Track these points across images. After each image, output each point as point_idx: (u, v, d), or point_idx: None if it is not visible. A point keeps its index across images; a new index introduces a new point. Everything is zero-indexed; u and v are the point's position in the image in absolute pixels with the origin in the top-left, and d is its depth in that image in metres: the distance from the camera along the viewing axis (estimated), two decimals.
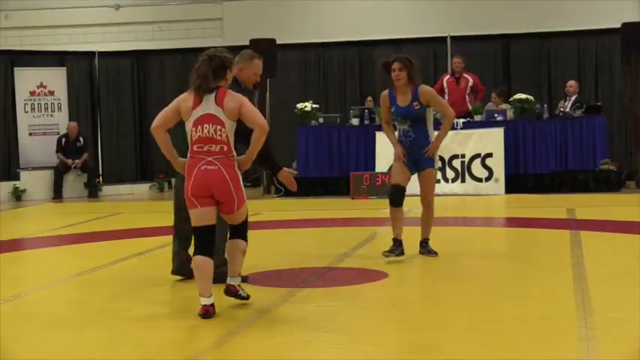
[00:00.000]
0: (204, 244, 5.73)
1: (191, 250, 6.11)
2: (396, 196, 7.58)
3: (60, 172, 16.12)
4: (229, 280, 5.92)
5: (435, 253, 7.69)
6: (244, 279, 6.29)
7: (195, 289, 5.85)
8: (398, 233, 7.62)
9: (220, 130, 5.68)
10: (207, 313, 5.62)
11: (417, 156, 7.59)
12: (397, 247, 7.59)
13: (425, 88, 7.62)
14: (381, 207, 12.27)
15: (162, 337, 5.29)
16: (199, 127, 5.71)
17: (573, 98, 14.81)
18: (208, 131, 5.69)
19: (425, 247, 7.78)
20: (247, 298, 5.98)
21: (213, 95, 5.71)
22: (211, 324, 5.59)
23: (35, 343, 5.26)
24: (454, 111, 14.75)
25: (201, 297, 5.66)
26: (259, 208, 12.31)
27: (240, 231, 5.92)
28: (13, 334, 5.45)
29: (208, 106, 5.70)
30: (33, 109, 16.66)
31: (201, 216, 5.72)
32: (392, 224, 7.66)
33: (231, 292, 5.92)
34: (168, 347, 5.07)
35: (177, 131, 6.05)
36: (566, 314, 5.49)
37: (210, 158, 5.71)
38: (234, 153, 5.73)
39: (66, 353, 5.00)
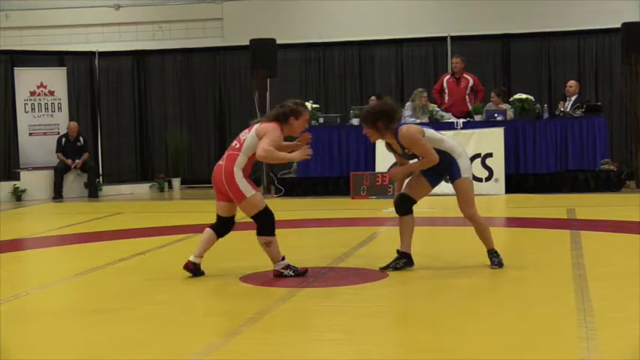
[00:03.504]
0: (218, 225, 7.07)
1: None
2: (397, 204, 7.15)
3: (60, 172, 16.12)
4: (274, 267, 6.99)
5: (497, 265, 7.06)
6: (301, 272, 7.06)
7: (194, 289, 5.78)
8: (402, 245, 7.15)
9: (245, 134, 6.93)
10: (187, 266, 7.05)
11: (441, 168, 7.02)
12: (396, 260, 7.13)
13: (402, 133, 6.84)
14: (381, 207, 12.28)
15: (162, 337, 5.29)
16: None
17: (573, 98, 14.82)
18: (242, 133, 7.02)
19: (490, 258, 7.15)
20: (300, 273, 6.98)
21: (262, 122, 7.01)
22: (212, 324, 5.60)
23: (36, 343, 5.26)
24: (454, 110, 14.91)
25: (192, 255, 7.07)
26: None
27: (258, 226, 6.90)
28: (13, 334, 5.45)
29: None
30: (33, 109, 16.65)
31: (218, 207, 7.07)
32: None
33: (277, 274, 6.98)
34: (168, 347, 5.07)
35: None
36: (566, 314, 5.49)
37: (226, 153, 6.99)
38: (242, 157, 6.86)
39: (66, 353, 5.00)
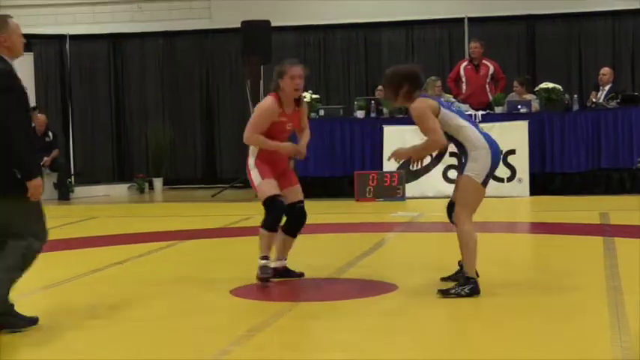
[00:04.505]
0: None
1: None
2: (449, 213, 7.04)
3: None
4: None
5: (454, 294, 6.59)
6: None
7: (179, 303, 5.80)
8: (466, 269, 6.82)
9: None
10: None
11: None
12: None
13: (413, 105, 6.69)
14: (389, 210, 12.30)
15: (144, 357, 5.31)
16: None
17: (607, 88, 14.83)
18: None
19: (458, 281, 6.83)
20: (266, 276, 7.08)
21: None
22: (199, 342, 5.61)
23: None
24: (473, 101, 14.89)
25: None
26: (250, 211, 12.31)
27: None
28: None
29: None
30: None
31: None
32: None
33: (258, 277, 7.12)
34: None
35: None
36: (599, 332, 5.50)
37: None
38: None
39: None
